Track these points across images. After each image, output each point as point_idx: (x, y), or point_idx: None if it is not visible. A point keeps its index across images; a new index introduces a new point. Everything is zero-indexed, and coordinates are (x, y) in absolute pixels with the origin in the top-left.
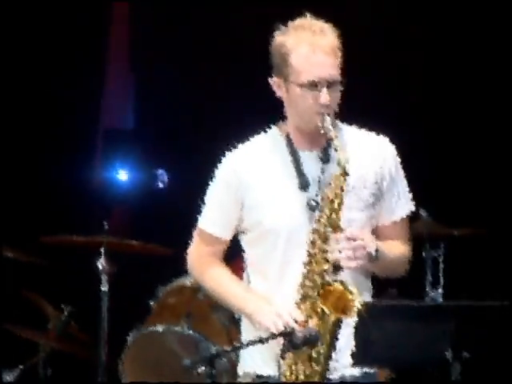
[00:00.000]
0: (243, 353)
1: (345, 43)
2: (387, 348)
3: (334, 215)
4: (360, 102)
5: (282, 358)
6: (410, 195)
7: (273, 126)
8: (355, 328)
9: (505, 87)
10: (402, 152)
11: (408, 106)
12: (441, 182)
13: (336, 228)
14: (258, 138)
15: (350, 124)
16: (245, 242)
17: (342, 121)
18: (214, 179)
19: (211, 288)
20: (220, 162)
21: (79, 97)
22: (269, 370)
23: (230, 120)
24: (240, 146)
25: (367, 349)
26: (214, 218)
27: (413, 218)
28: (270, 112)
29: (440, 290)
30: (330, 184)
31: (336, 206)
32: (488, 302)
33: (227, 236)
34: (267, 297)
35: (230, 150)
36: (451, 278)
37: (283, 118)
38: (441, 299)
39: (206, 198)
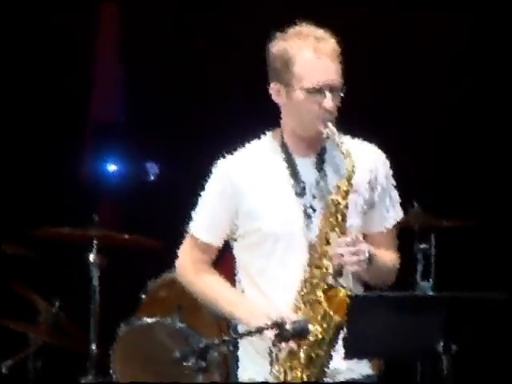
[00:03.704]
0: (241, 361)
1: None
2: (378, 340)
3: (339, 220)
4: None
5: (274, 346)
6: (400, 204)
7: (268, 133)
8: (346, 320)
9: (492, 80)
10: (390, 145)
11: (395, 98)
12: (430, 174)
13: (342, 232)
14: (252, 144)
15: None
16: (239, 248)
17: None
18: (207, 185)
19: (202, 293)
20: (213, 167)
21: (69, 90)
22: (261, 374)
23: (220, 113)
24: (234, 152)
25: (358, 341)
26: (206, 226)
27: (403, 210)
28: (260, 106)
29: (431, 282)
30: (336, 188)
31: (342, 210)
32: (479, 293)
33: (219, 243)
34: (260, 302)
35: (224, 156)
36: (442, 269)
37: (278, 123)
38: (431, 291)
39: (199, 204)
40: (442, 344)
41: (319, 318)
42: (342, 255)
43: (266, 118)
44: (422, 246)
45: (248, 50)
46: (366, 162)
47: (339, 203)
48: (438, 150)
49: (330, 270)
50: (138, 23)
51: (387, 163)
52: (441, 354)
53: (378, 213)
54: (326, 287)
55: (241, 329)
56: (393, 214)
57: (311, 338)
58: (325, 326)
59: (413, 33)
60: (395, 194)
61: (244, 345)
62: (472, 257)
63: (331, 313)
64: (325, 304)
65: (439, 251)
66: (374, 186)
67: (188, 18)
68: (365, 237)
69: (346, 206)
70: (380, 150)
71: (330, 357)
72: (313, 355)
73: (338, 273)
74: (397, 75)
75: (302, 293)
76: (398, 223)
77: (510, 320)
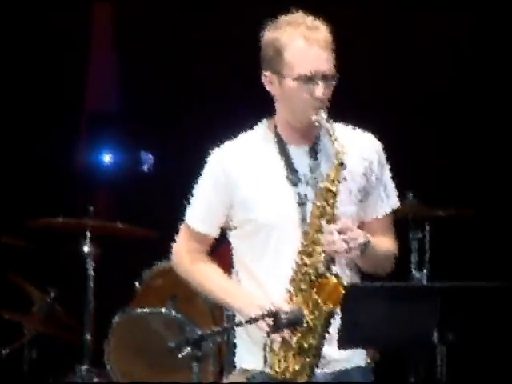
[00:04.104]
0: (237, 350)
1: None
2: (373, 329)
3: (328, 207)
4: (345, 89)
5: (267, 336)
6: (395, 191)
7: (261, 122)
8: (341, 310)
9: (486, 70)
10: (386, 134)
11: (390, 91)
12: (425, 163)
13: (331, 220)
14: (246, 133)
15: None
16: (235, 237)
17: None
18: (201, 175)
19: (199, 282)
20: (207, 158)
21: (64, 81)
22: (256, 363)
23: (215, 105)
24: (228, 142)
25: (353, 330)
26: (201, 216)
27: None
28: (254, 98)
29: (425, 271)
30: (326, 176)
31: (331, 197)
32: (473, 282)
33: (214, 233)
34: (255, 291)
35: (218, 146)
36: (436, 258)
37: (272, 112)
38: (426, 280)
39: (194, 195)
40: (436, 333)
41: (310, 306)
42: (334, 243)
43: (260, 109)
44: (417, 235)
45: (241, 44)
46: (360, 149)
47: (328, 191)
48: (432, 140)
49: (322, 258)
50: (132, 22)
51: (382, 150)
52: (435, 344)
53: (374, 200)
54: (317, 275)
55: (237, 318)
56: (388, 200)
57: (303, 327)
58: (316, 314)
59: (413, 33)
60: (390, 181)
61: (240, 334)
62: (466, 246)
63: (321, 301)
64: (315, 292)
65: (433, 240)
66: (368, 174)
67: (181, 15)
68: (361, 224)
69: (336, 194)
70: (374, 138)
71: (322, 345)
72: (305, 344)
73: (330, 261)
74: (395, 72)
75: (295, 282)
76: (395, 210)
77: (504, 309)
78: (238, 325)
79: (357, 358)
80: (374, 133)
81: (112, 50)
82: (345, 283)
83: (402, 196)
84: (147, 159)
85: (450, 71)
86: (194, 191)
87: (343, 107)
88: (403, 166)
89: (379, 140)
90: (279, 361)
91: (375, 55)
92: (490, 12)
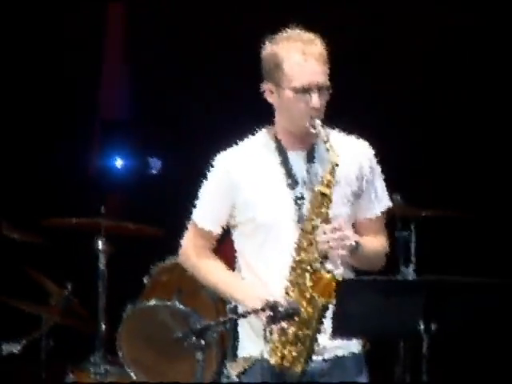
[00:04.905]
0: (240, 339)
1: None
2: (363, 320)
3: (323, 209)
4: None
5: (265, 329)
6: (387, 193)
7: (262, 129)
8: (334, 303)
9: (485, 70)
10: (373, 137)
11: (380, 92)
12: (410, 165)
13: (325, 220)
14: (248, 139)
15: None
16: (237, 235)
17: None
18: (207, 178)
19: (204, 276)
20: (212, 162)
21: (79, 90)
22: (257, 351)
23: (219, 112)
24: (231, 147)
25: (344, 321)
26: (206, 214)
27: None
28: (256, 105)
29: (412, 267)
30: (320, 180)
31: (326, 200)
32: (456, 277)
33: (218, 230)
34: (256, 285)
35: (223, 151)
36: (422, 255)
37: (272, 120)
38: (412, 275)
39: (200, 195)
40: (422, 324)
41: (306, 300)
42: (328, 241)
43: (261, 116)
44: (403, 233)
45: (249, 51)
46: (353, 154)
47: (323, 193)
48: (421, 142)
49: (316, 256)
50: (144, 23)
51: (374, 156)
52: (421, 333)
53: (366, 202)
54: (312, 271)
55: (240, 309)
56: (380, 202)
57: (299, 319)
58: (311, 307)
59: (412, 33)
60: (382, 184)
61: (242, 324)
62: (450, 244)
63: (316, 295)
64: (311, 287)
65: (419, 238)
66: (361, 177)
67: (193, 17)
68: (354, 224)
69: (330, 196)
70: (367, 143)
71: (317, 335)
72: (301, 334)
73: (324, 258)
74: (390, 72)
75: (292, 277)
76: (386, 211)
77: (485, 301)
78: (239, 316)
79: (351, 345)
80: (361, 134)
81: (124, 58)
82: (338, 278)
83: (390, 197)
84: (156, 164)
85: (449, 71)
86: (200, 192)
87: (335, 108)
88: (392, 168)
89: (368, 141)
90: (277, 349)
91: (375, 55)
92: (490, 12)
